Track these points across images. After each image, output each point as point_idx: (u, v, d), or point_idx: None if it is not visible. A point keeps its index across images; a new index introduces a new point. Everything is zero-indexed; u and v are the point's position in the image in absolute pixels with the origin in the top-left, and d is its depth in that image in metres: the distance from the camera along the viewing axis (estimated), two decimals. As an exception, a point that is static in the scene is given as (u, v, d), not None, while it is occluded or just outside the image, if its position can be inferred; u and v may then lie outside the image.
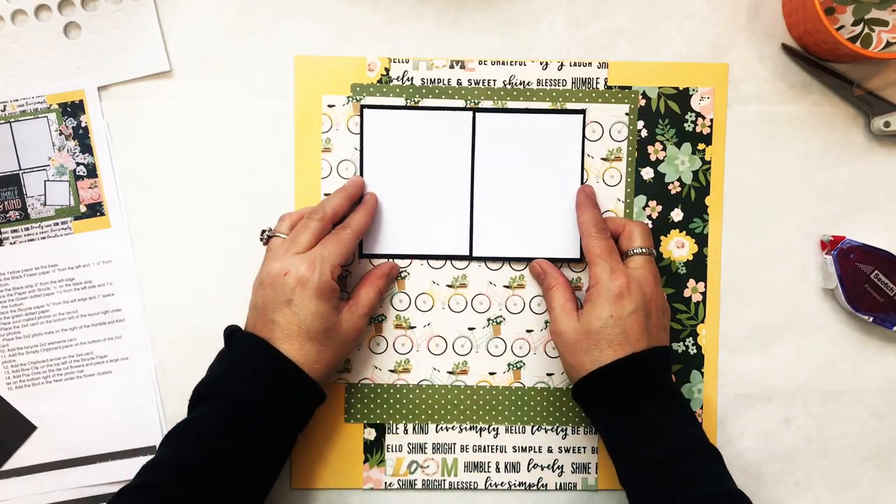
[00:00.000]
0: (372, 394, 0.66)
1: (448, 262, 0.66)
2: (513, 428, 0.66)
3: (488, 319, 0.66)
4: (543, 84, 0.65)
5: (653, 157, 0.66)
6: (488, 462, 0.66)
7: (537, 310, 0.66)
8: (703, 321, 0.66)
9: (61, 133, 0.65)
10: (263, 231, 0.62)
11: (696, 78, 0.66)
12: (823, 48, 0.62)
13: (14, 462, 0.65)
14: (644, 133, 0.66)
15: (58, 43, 0.65)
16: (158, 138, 0.65)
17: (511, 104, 0.65)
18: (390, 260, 0.65)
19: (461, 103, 0.65)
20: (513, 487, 0.66)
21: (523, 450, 0.66)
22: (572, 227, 0.65)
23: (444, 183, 0.65)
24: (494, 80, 0.65)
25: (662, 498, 0.55)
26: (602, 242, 0.60)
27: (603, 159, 0.66)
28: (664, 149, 0.66)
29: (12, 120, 0.65)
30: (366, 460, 0.66)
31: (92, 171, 0.65)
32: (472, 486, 0.66)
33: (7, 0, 0.64)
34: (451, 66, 0.65)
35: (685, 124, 0.66)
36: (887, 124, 0.65)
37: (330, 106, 0.65)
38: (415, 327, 0.66)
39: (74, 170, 0.65)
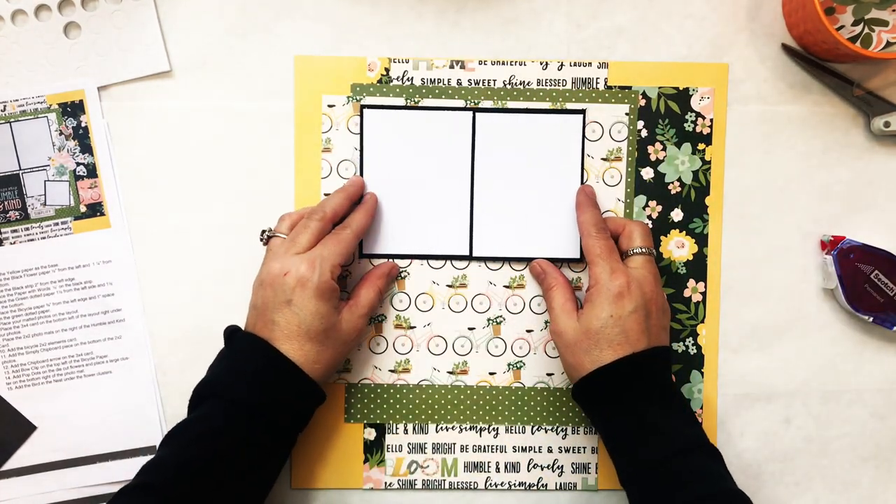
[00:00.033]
0: (372, 394, 0.66)
1: (448, 262, 0.66)
2: (513, 428, 0.66)
3: (488, 319, 0.66)
4: (543, 84, 0.65)
5: (653, 157, 0.66)
6: (488, 462, 0.66)
7: (537, 310, 0.66)
8: (703, 321, 0.66)
9: (61, 133, 0.65)
10: (263, 231, 0.62)
11: (696, 78, 0.66)
12: (823, 48, 0.62)
13: (14, 462, 0.65)
14: (644, 133, 0.66)
15: (58, 43, 0.65)
16: (158, 138, 0.65)
17: (511, 104, 0.65)
18: (390, 260, 0.65)
19: (461, 103, 0.65)
20: (513, 487, 0.66)
21: (523, 450, 0.66)
22: (572, 227, 0.65)
23: (444, 183, 0.65)
24: (494, 80, 0.65)
25: (662, 498, 0.55)
26: (602, 242, 0.60)
27: (603, 159, 0.66)
28: (664, 149, 0.66)
29: (12, 120, 0.65)
30: (366, 460, 0.66)
31: (92, 171, 0.65)
32: (472, 486, 0.66)
33: (7, 0, 0.64)
34: (451, 66, 0.65)
35: (685, 124, 0.66)
36: (887, 124, 0.65)
37: (330, 106, 0.65)
38: (415, 327, 0.66)
39: (74, 170, 0.65)
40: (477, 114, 0.65)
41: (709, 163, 0.66)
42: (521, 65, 0.65)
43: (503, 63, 0.65)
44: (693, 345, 0.66)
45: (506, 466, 0.66)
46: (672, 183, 0.66)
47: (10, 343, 0.65)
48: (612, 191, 0.66)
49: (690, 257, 0.66)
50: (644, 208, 0.66)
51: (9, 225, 0.65)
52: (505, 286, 0.66)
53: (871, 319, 0.65)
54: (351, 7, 0.65)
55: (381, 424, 0.66)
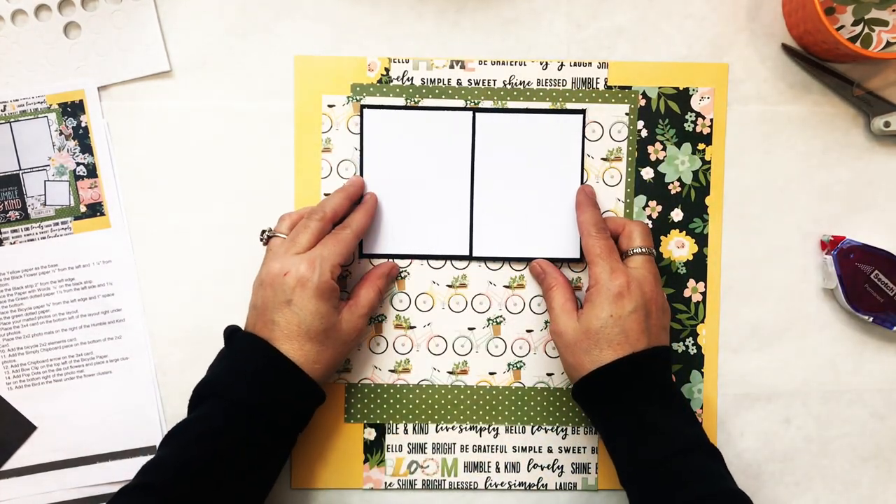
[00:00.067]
0: (372, 394, 0.66)
1: (448, 262, 0.66)
2: (513, 428, 0.66)
3: (488, 319, 0.66)
4: (543, 84, 0.65)
5: (653, 157, 0.66)
6: (488, 462, 0.66)
7: (537, 310, 0.66)
8: (703, 321, 0.66)
9: (61, 133, 0.65)
10: (263, 231, 0.62)
11: (696, 78, 0.66)
12: (823, 48, 0.62)
13: (14, 462, 0.65)
14: (644, 133, 0.66)
15: (58, 43, 0.65)
16: (158, 138, 0.65)
17: (511, 104, 0.65)
18: (390, 260, 0.65)
19: (461, 103, 0.65)
20: (513, 487, 0.66)
21: (523, 450, 0.66)
22: (572, 227, 0.65)
23: (444, 183, 0.65)
24: (494, 80, 0.65)
25: (663, 497, 0.55)
26: (602, 242, 0.60)
27: (603, 159, 0.66)
28: (664, 149, 0.66)
29: (12, 120, 0.65)
30: (366, 460, 0.66)
31: (92, 171, 0.65)
32: (472, 486, 0.66)
33: (7, 0, 0.64)
34: (451, 66, 0.65)
35: (685, 124, 0.66)
36: (887, 124, 0.65)
37: (330, 106, 0.65)
38: (415, 327, 0.66)
39: (74, 170, 0.65)
40: (477, 114, 0.65)
41: (709, 163, 0.66)
42: (521, 65, 0.65)
43: (503, 63, 0.65)
44: (693, 345, 0.66)
45: (506, 466, 0.66)
46: (672, 183, 0.66)
47: (10, 343, 0.65)
48: (612, 191, 0.66)
49: (690, 257, 0.66)
50: (644, 208, 0.66)
51: (9, 225, 0.65)
52: (505, 286, 0.66)
53: (871, 319, 0.65)
54: (351, 7, 0.65)
55: (381, 424, 0.66)
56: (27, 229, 0.65)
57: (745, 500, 0.55)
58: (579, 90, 0.65)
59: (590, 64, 0.65)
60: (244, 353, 0.58)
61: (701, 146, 0.66)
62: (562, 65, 0.65)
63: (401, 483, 0.66)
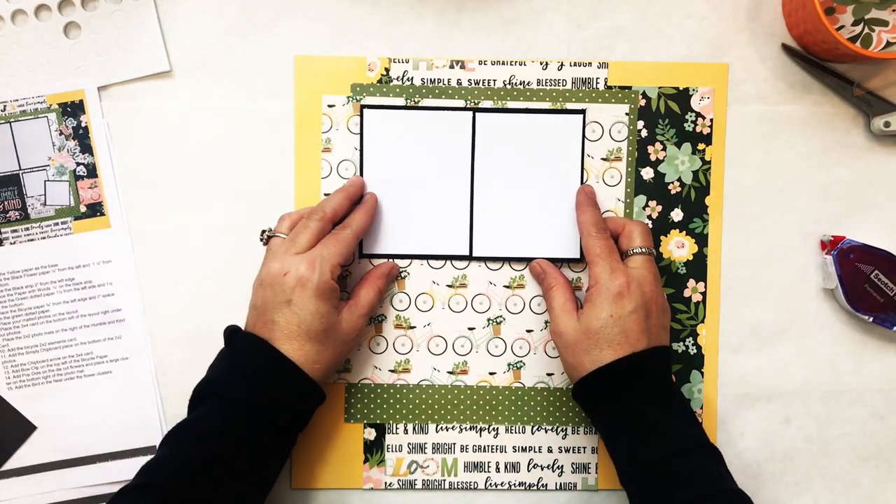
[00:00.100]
0: (372, 394, 0.66)
1: (448, 262, 0.66)
2: (513, 428, 0.66)
3: (488, 319, 0.66)
4: (543, 84, 0.65)
5: (653, 157, 0.66)
6: (488, 462, 0.66)
7: (537, 310, 0.66)
8: (703, 321, 0.66)
9: (61, 133, 0.65)
10: (263, 231, 0.62)
11: (696, 78, 0.66)
12: (823, 48, 0.62)
13: (14, 462, 0.65)
14: (644, 133, 0.66)
15: (58, 43, 0.65)
16: (158, 138, 0.65)
17: (511, 104, 0.65)
18: (390, 260, 0.65)
19: (461, 103, 0.65)
20: (513, 487, 0.66)
21: (523, 450, 0.66)
22: (572, 227, 0.65)
23: (444, 183, 0.65)
24: (494, 80, 0.65)
25: (663, 497, 0.55)
26: (602, 242, 0.60)
27: (603, 159, 0.66)
28: (664, 149, 0.66)
29: (12, 120, 0.65)
30: (366, 460, 0.66)
31: (92, 171, 0.65)
32: (472, 486, 0.66)
33: (7, 0, 0.64)
34: (451, 66, 0.65)
35: (685, 124, 0.66)
36: (887, 124, 0.65)
37: (330, 106, 0.65)
38: (415, 327, 0.66)
39: (74, 170, 0.65)
40: (477, 114, 0.65)
41: (709, 163, 0.66)
42: (521, 65, 0.65)
43: (503, 63, 0.65)
44: (693, 345, 0.66)
45: (506, 466, 0.66)
46: (672, 183, 0.66)
47: (10, 343, 0.65)
48: (612, 191, 0.66)
49: (690, 257, 0.66)
50: (644, 208, 0.66)
51: (9, 225, 0.65)
52: (505, 286, 0.66)
53: (871, 319, 0.65)
54: (351, 7, 0.65)
55: (381, 424, 0.66)
56: (27, 229, 0.65)
57: (746, 500, 0.55)
58: (579, 90, 0.65)
59: (590, 64, 0.65)
60: (244, 353, 0.58)
61: (701, 146, 0.66)
62: (562, 65, 0.65)
63: (401, 483, 0.66)
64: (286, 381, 0.57)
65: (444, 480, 0.66)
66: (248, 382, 0.56)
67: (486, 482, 0.66)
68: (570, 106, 0.65)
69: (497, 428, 0.66)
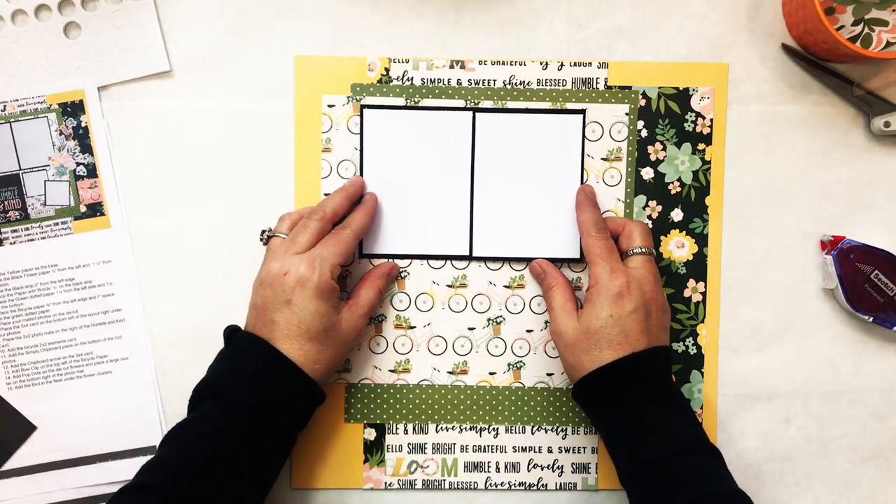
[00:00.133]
0: (372, 394, 0.66)
1: (448, 262, 0.66)
2: (513, 428, 0.66)
3: (488, 319, 0.66)
4: (543, 84, 0.65)
5: (653, 157, 0.66)
6: (488, 462, 0.66)
7: (537, 310, 0.66)
8: (703, 321, 0.66)
9: (61, 133, 0.65)
10: (263, 231, 0.62)
11: (696, 78, 0.66)
12: (823, 48, 0.62)
13: (14, 462, 0.65)
14: (644, 133, 0.66)
15: (58, 43, 0.65)
16: (158, 138, 0.65)
17: (511, 104, 0.65)
18: (390, 260, 0.65)
19: (461, 103, 0.65)
20: (513, 487, 0.66)
21: (523, 450, 0.66)
22: (572, 227, 0.65)
23: (444, 183, 0.65)
24: (494, 80, 0.65)
25: (663, 497, 0.55)
26: (602, 242, 0.60)
27: (603, 159, 0.66)
28: (664, 149, 0.66)
29: (12, 120, 0.65)
30: (366, 460, 0.66)
31: (92, 171, 0.65)
32: (472, 486, 0.66)
33: (7, 0, 0.64)
34: (451, 66, 0.65)
35: (685, 124, 0.66)
36: (887, 124, 0.65)
37: (330, 106, 0.65)
38: (415, 327, 0.66)
39: (74, 170, 0.65)
40: (477, 114, 0.65)
41: (709, 163, 0.66)
42: (521, 65, 0.65)
43: (503, 63, 0.65)
44: (693, 345, 0.66)
45: (506, 466, 0.66)
46: (672, 183, 0.66)
47: (10, 343, 0.65)
48: (612, 191, 0.66)
49: (690, 257, 0.66)
50: (644, 208, 0.66)
51: (9, 225, 0.65)
52: (505, 286, 0.66)
53: (871, 319, 0.65)
54: (351, 7, 0.65)
55: (381, 424, 0.66)
56: (27, 229, 0.65)
57: (746, 500, 0.55)
58: (579, 90, 0.65)
59: (590, 64, 0.65)
60: (244, 352, 0.58)
61: (701, 146, 0.66)
62: (562, 65, 0.65)
63: (401, 483, 0.66)
64: (286, 381, 0.57)
65: (444, 480, 0.66)
66: (248, 382, 0.56)
67: (486, 482, 0.66)
68: (570, 106, 0.65)
69: (497, 428, 0.66)
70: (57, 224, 0.65)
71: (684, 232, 0.66)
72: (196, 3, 0.65)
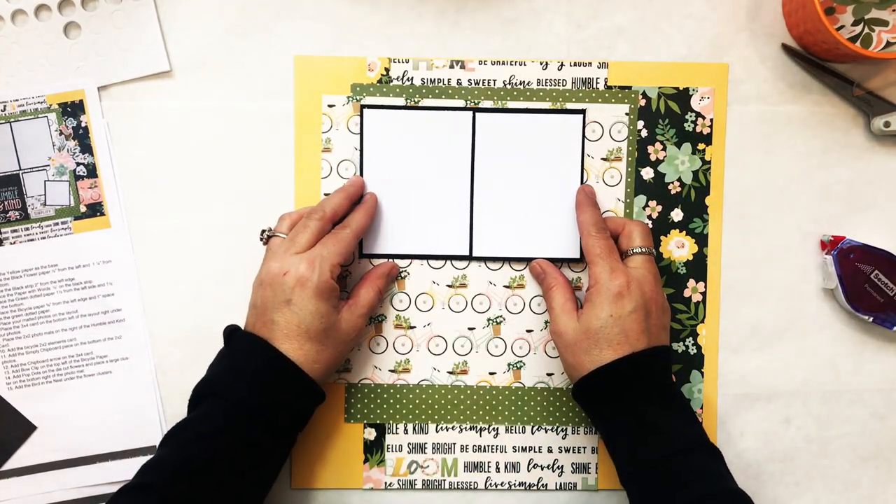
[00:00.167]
0: (372, 394, 0.66)
1: (448, 262, 0.66)
2: (513, 428, 0.66)
3: (488, 319, 0.66)
4: (543, 84, 0.65)
5: (653, 157, 0.66)
6: (488, 462, 0.66)
7: (537, 310, 0.66)
8: (703, 321, 0.66)
9: (61, 133, 0.65)
10: (263, 231, 0.62)
11: (696, 78, 0.66)
12: (823, 48, 0.62)
13: (14, 462, 0.65)
14: (644, 133, 0.66)
15: (58, 43, 0.65)
16: (158, 138, 0.65)
17: (511, 104, 0.65)
18: (390, 260, 0.65)
19: (461, 103, 0.65)
20: (513, 487, 0.66)
21: (523, 450, 0.66)
22: (572, 227, 0.65)
23: (444, 183, 0.65)
24: (494, 80, 0.65)
25: (663, 497, 0.55)
26: (602, 242, 0.60)
27: (603, 159, 0.66)
28: (664, 149, 0.66)
29: (12, 120, 0.65)
30: (366, 460, 0.66)
31: (92, 171, 0.65)
32: (472, 486, 0.66)
33: (7, 0, 0.64)
34: (451, 66, 0.65)
35: (685, 124, 0.66)
36: (887, 124, 0.65)
37: (330, 106, 0.65)
38: (415, 327, 0.66)
39: (74, 170, 0.65)
40: (477, 114, 0.65)
41: (709, 163, 0.66)
42: (521, 65, 0.65)
43: (503, 63, 0.65)
44: (693, 345, 0.66)
45: (506, 466, 0.66)
46: (672, 183, 0.66)
47: (10, 343, 0.65)
48: (612, 191, 0.66)
49: (690, 257, 0.66)
50: (644, 208, 0.66)
51: (9, 225, 0.65)
52: (505, 286, 0.66)
53: (871, 319, 0.65)
54: (351, 7, 0.65)
55: (381, 424, 0.66)
56: (27, 229, 0.65)
57: (746, 500, 0.55)
58: (579, 90, 0.65)
59: (590, 64, 0.65)
60: (244, 352, 0.58)
61: (701, 146, 0.66)
62: (562, 65, 0.65)
63: (401, 483, 0.66)
64: (286, 380, 0.57)
65: (444, 480, 0.66)
66: (247, 382, 0.56)
67: (486, 482, 0.66)
68: (570, 106, 0.65)
69: (497, 428, 0.66)
70: (57, 224, 0.65)
71: (684, 232, 0.66)
72: (196, 3, 0.65)
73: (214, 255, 0.66)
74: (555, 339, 0.61)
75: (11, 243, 0.65)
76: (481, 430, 0.66)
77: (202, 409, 0.57)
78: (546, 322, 0.66)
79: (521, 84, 0.65)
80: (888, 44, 0.64)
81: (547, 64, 0.65)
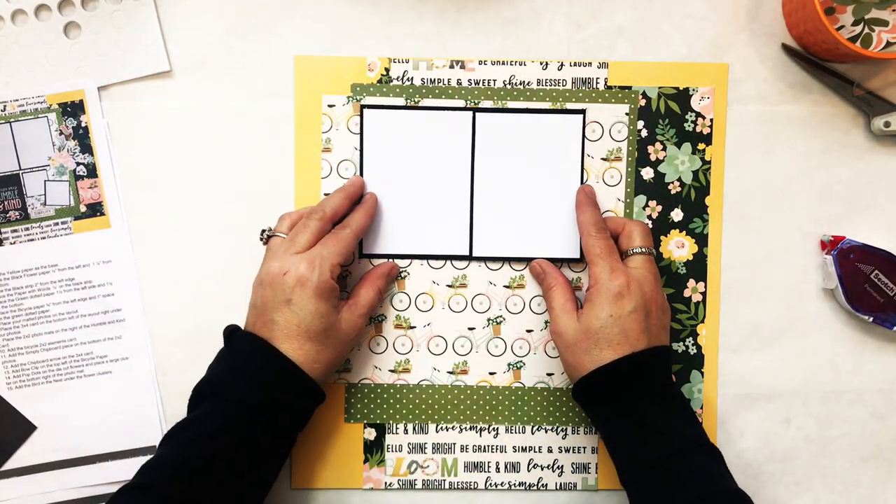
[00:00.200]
0: (372, 394, 0.66)
1: (448, 262, 0.66)
2: (513, 428, 0.66)
3: (488, 319, 0.66)
4: (543, 84, 0.65)
5: (653, 157, 0.66)
6: (488, 462, 0.66)
7: (537, 310, 0.66)
8: (703, 321, 0.66)
9: (61, 133, 0.65)
10: (263, 231, 0.62)
11: (696, 78, 0.66)
12: (823, 48, 0.62)
13: (14, 462, 0.65)
14: (644, 133, 0.66)
15: (58, 43, 0.65)
16: (158, 138, 0.65)
17: (511, 104, 0.65)
18: (390, 260, 0.65)
19: (461, 103, 0.65)
20: (513, 487, 0.66)
21: (523, 450, 0.66)
22: (572, 227, 0.65)
23: (444, 183, 0.65)
24: (494, 80, 0.65)
25: (663, 497, 0.55)
26: (602, 242, 0.60)
27: (603, 159, 0.66)
28: (664, 149, 0.66)
29: (12, 120, 0.65)
30: (366, 460, 0.66)
31: (92, 171, 0.65)
32: (472, 486, 0.66)
33: (7, 0, 0.64)
34: (451, 66, 0.65)
35: (685, 124, 0.66)
36: (887, 124, 0.65)
37: (330, 106, 0.65)
38: (415, 327, 0.66)
39: (74, 170, 0.65)
40: (477, 114, 0.65)
41: (709, 163, 0.66)
42: (521, 65, 0.65)
43: (503, 63, 0.65)
44: (693, 345, 0.66)
45: (506, 466, 0.66)
46: (672, 183, 0.66)
47: (10, 343, 0.65)
48: (612, 191, 0.66)
49: (690, 257, 0.66)
50: (644, 208, 0.66)
51: (9, 225, 0.65)
52: (505, 286, 0.66)
53: (871, 319, 0.65)
54: (351, 7, 0.65)
55: (381, 424, 0.66)
56: (27, 229, 0.65)
57: (746, 500, 0.55)
58: (579, 90, 0.65)
59: (590, 64, 0.65)
60: (244, 352, 0.58)
61: (701, 146, 0.66)
62: (562, 65, 0.65)
63: (401, 483, 0.66)
64: (286, 380, 0.57)
65: (444, 480, 0.66)
66: (247, 382, 0.56)
67: (486, 482, 0.66)
68: (570, 106, 0.65)
69: (497, 428, 0.66)
70: (57, 224, 0.65)
71: (684, 232, 0.66)
72: (196, 3, 0.65)
73: (214, 255, 0.66)
74: (555, 339, 0.61)
75: (11, 243, 0.65)
76: (481, 430, 0.66)
77: (202, 409, 0.57)
78: (546, 322, 0.66)
79: (521, 84, 0.65)
80: (888, 44, 0.64)
81: (547, 64, 0.65)
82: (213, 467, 0.54)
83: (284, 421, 0.58)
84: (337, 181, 0.65)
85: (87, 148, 0.65)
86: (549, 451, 0.66)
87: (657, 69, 0.65)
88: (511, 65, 0.65)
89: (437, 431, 0.66)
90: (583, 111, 0.65)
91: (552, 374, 0.66)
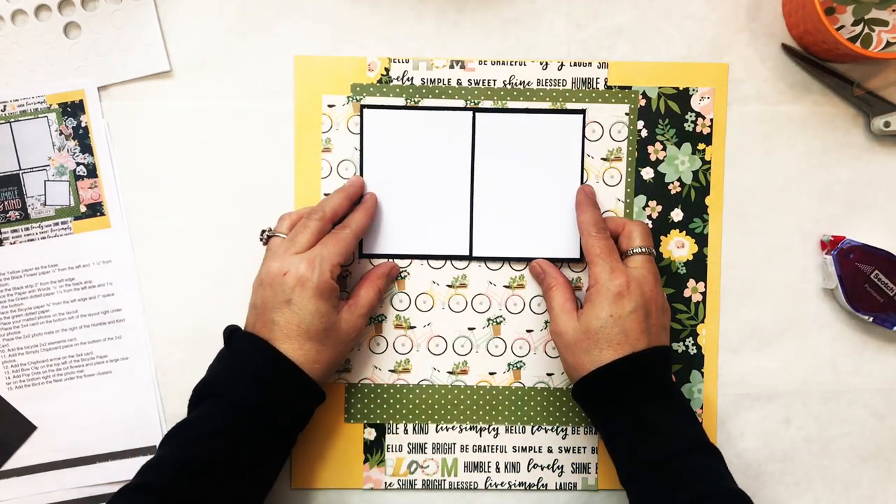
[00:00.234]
0: (372, 394, 0.66)
1: (448, 262, 0.66)
2: (513, 428, 0.66)
3: (488, 319, 0.66)
4: (543, 84, 0.65)
5: (653, 157, 0.66)
6: (488, 462, 0.66)
7: (537, 310, 0.66)
8: (703, 321, 0.66)
9: (61, 133, 0.65)
10: (263, 231, 0.62)
11: (696, 78, 0.66)
12: (823, 48, 0.62)
13: (14, 462, 0.65)
14: (644, 133, 0.66)
15: (58, 43, 0.65)
16: (158, 138, 0.65)
17: (511, 104, 0.65)
18: (390, 260, 0.65)
19: (461, 103, 0.65)
20: (513, 487, 0.66)
21: (523, 450, 0.66)
22: (572, 227, 0.65)
23: (444, 183, 0.65)
24: (494, 80, 0.65)
25: (663, 497, 0.55)
26: (602, 242, 0.60)
27: (603, 159, 0.66)
28: (664, 149, 0.66)
29: (12, 120, 0.65)
30: (366, 460, 0.66)
31: (92, 171, 0.65)
32: (472, 486, 0.66)
33: (7, 0, 0.64)
34: (451, 66, 0.65)
35: (685, 124, 0.66)
36: (887, 124, 0.65)
37: (330, 106, 0.65)
38: (415, 327, 0.66)
39: (74, 170, 0.65)
40: (477, 114, 0.65)
41: (709, 163, 0.66)
42: (521, 65, 0.65)
43: (503, 63, 0.65)
44: (693, 345, 0.66)
45: (506, 466, 0.66)
46: (672, 183, 0.66)
47: (10, 343, 0.65)
48: (612, 191, 0.66)
49: (690, 257, 0.66)
50: (644, 208, 0.66)
51: (9, 225, 0.65)
52: (505, 286, 0.66)
53: (871, 319, 0.65)
54: (351, 7, 0.65)
55: (381, 424, 0.66)
56: (27, 229, 0.65)
57: (745, 500, 0.55)
58: (579, 90, 0.65)
59: (590, 64, 0.65)
60: (244, 352, 0.58)
61: (701, 146, 0.66)
62: (562, 65, 0.65)
63: (401, 483, 0.66)
64: (286, 380, 0.57)
65: (444, 480, 0.66)
66: (247, 382, 0.56)
67: (486, 482, 0.66)
68: (570, 106, 0.65)
69: (497, 428, 0.66)
70: (57, 224, 0.65)
71: (684, 232, 0.66)
72: (196, 3, 0.65)
73: (214, 255, 0.66)
74: (555, 339, 0.61)
75: (11, 243, 0.65)
76: (481, 430, 0.66)
77: (202, 409, 0.57)
78: (546, 322, 0.66)
79: (521, 84, 0.65)
80: (888, 44, 0.64)
81: (547, 64, 0.65)
82: (213, 467, 0.54)
83: (284, 421, 0.58)
84: (337, 181, 0.65)
85: (87, 148, 0.65)
86: (549, 451, 0.66)
87: (657, 69, 0.65)
88: (511, 65, 0.65)
89: (437, 431, 0.66)
90: (583, 111, 0.65)
91: (552, 374, 0.66)
